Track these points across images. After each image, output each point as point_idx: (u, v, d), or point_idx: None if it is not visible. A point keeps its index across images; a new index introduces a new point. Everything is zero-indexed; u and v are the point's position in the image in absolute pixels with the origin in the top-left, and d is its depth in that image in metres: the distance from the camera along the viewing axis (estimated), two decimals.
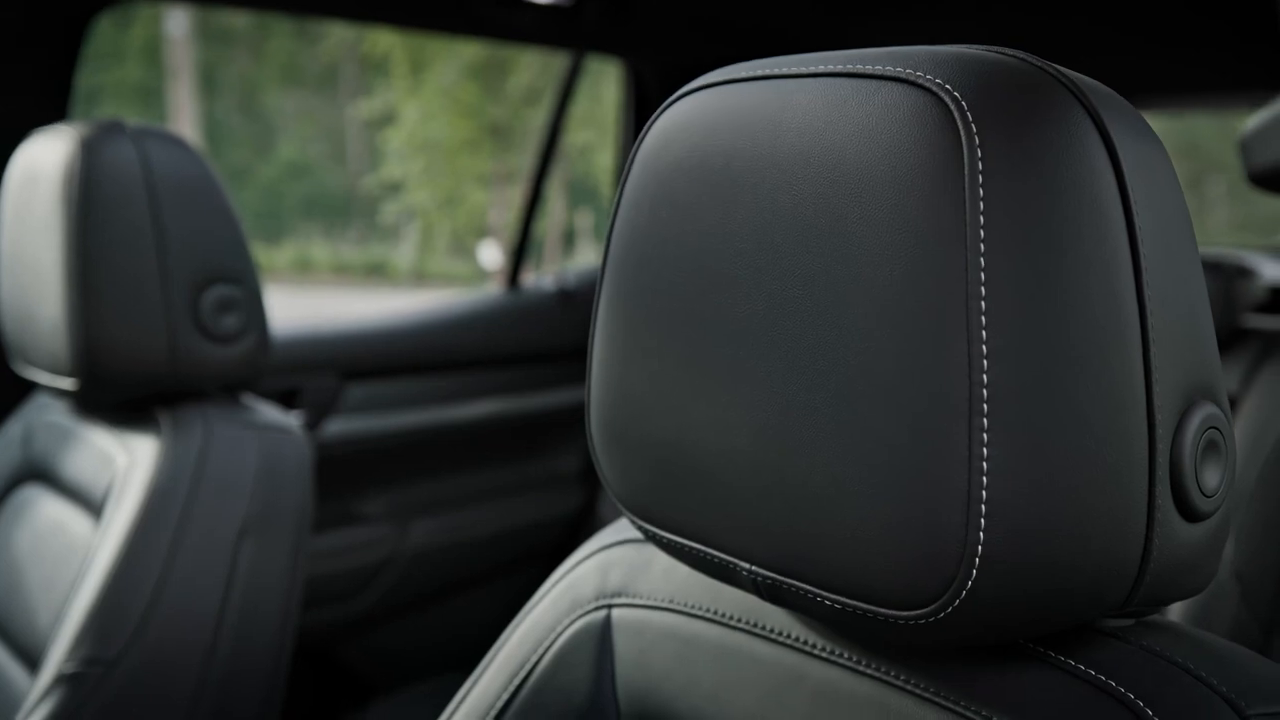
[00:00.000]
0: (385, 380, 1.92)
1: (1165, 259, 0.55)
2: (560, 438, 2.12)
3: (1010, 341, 0.51)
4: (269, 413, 1.25)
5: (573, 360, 2.16)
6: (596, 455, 0.70)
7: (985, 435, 0.51)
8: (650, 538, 0.69)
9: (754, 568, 0.62)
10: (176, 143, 1.21)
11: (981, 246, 0.51)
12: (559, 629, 0.79)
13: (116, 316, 1.15)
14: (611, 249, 0.67)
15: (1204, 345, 0.56)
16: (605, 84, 7.85)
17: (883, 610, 0.56)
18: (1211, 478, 0.55)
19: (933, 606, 0.54)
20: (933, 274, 0.52)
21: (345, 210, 11.19)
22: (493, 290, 2.10)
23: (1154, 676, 0.56)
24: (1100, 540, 0.52)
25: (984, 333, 0.51)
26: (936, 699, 0.60)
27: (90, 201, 1.16)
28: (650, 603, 0.75)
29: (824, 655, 0.66)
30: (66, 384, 1.18)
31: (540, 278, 2.15)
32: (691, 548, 0.66)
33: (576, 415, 2.15)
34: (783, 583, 0.61)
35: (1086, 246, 0.52)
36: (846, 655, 0.65)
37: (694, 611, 0.73)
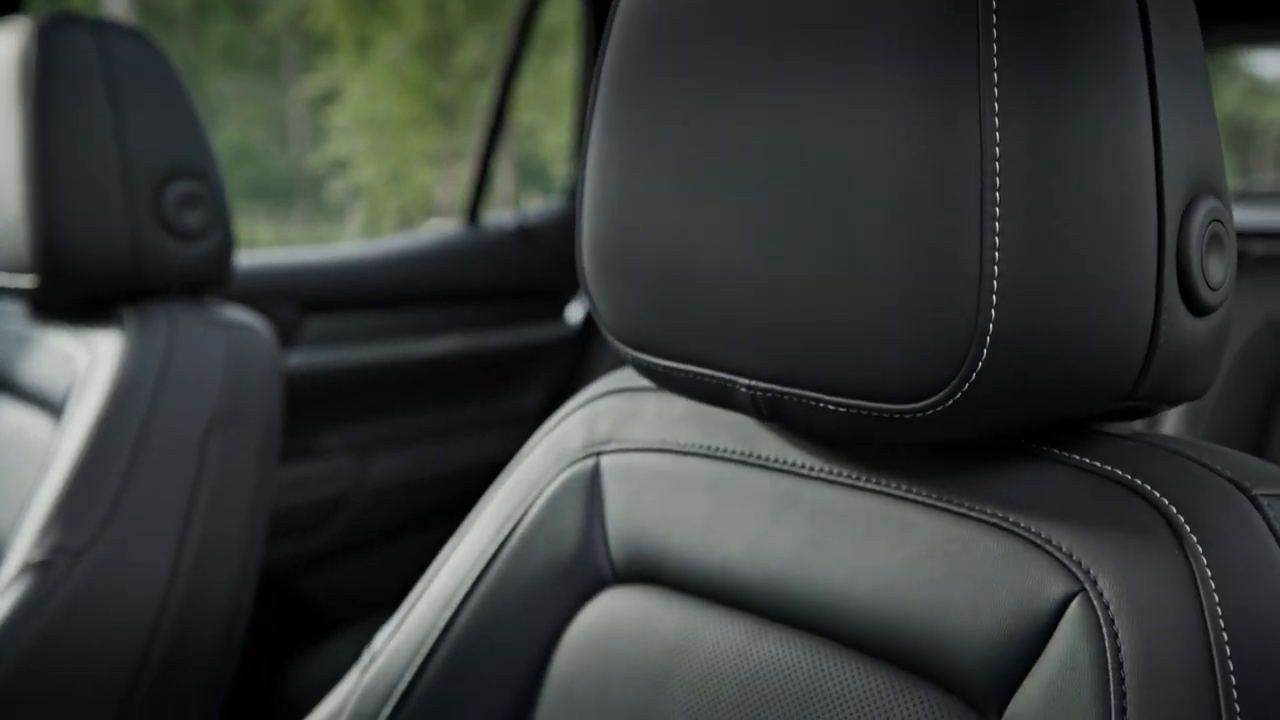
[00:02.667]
0: (346, 314, 1.90)
1: (1175, 54, 0.55)
2: (522, 375, 2.11)
3: (1023, 117, 0.51)
4: (236, 313, 1.23)
5: (533, 298, 2.14)
6: (589, 289, 0.70)
7: (997, 210, 0.51)
8: (644, 369, 0.69)
9: (753, 383, 0.62)
10: (135, 35, 1.18)
11: (994, 18, 0.51)
12: (546, 481, 0.78)
13: (77, 211, 1.13)
14: (604, 74, 0.67)
15: (1210, 141, 0.57)
16: (556, 60, 7.81)
17: (888, 406, 0.56)
18: (1216, 271, 0.56)
19: (941, 394, 0.54)
20: (944, 52, 0.52)
21: (289, 193, 11.04)
22: (452, 227, 2.08)
23: (1159, 464, 0.56)
24: (1108, 325, 0.53)
25: (996, 105, 0.51)
26: (938, 504, 0.60)
27: (47, 93, 1.13)
28: (640, 446, 0.75)
29: (821, 476, 0.66)
30: (25, 282, 1.15)
31: (500, 215, 2.14)
32: (688, 372, 0.65)
33: (538, 353, 2.14)
34: (783, 394, 0.61)
35: (1103, 33, 0.52)
36: (844, 473, 0.65)
37: (686, 449, 0.73)
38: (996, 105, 0.51)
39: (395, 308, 1.95)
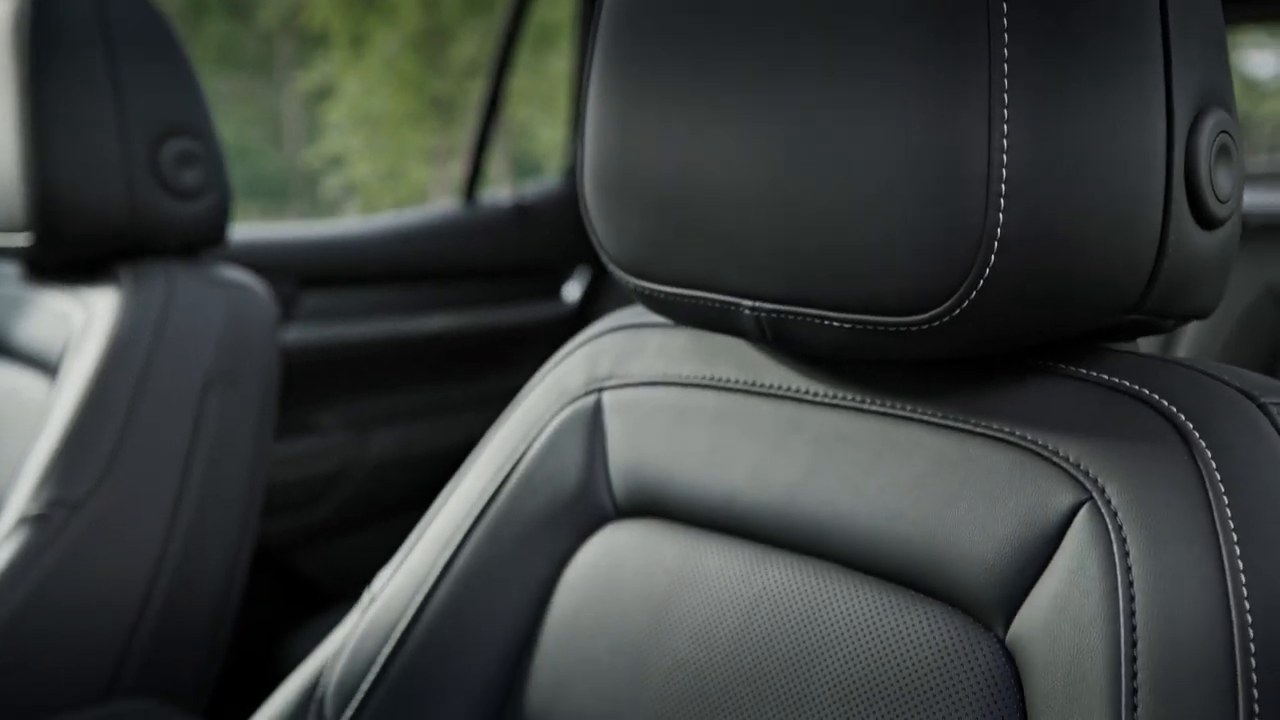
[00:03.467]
0: (343, 289, 1.89)
1: None
2: (519, 353, 2.10)
3: (1032, 22, 0.51)
4: (233, 272, 1.22)
5: (531, 276, 2.14)
6: (591, 220, 0.69)
7: (1006, 112, 0.51)
8: (647, 298, 0.68)
9: (757, 304, 0.61)
10: None
11: None
12: (547, 418, 0.78)
13: (72, 168, 1.12)
14: (606, 1, 0.66)
15: (1218, 57, 0.56)
16: (551, 57, 7.80)
17: (895, 319, 0.56)
18: (1224, 183, 0.55)
19: (948, 303, 0.54)
20: None
21: (284, 192, 11.03)
22: (449, 204, 2.08)
23: (1166, 376, 0.56)
24: (1116, 233, 0.52)
25: (1005, 7, 0.51)
26: (943, 422, 0.60)
27: (44, 49, 1.12)
28: (642, 380, 0.75)
29: (824, 401, 0.65)
30: (20, 240, 1.15)
31: (497, 193, 2.13)
32: (691, 297, 0.65)
33: (535, 331, 2.13)
34: (788, 313, 0.60)
35: None
36: (848, 397, 0.64)
37: (688, 381, 0.72)
38: (1005, 7, 0.50)
39: (392, 284, 1.95)
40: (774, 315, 0.61)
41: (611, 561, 0.72)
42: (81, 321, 1.13)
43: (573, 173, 2.15)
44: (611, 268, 0.69)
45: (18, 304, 1.25)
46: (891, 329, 0.56)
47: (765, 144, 0.58)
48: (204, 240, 1.20)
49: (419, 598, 0.77)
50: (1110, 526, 0.52)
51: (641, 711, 0.66)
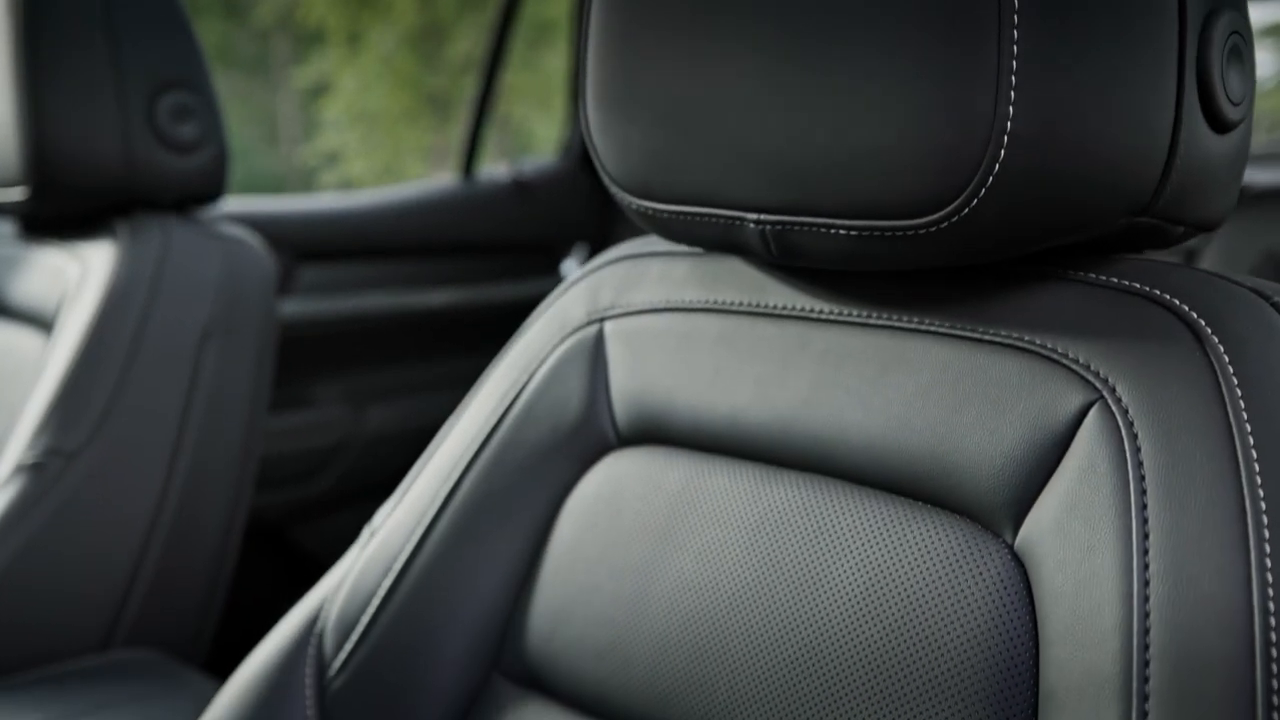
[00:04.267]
0: (339, 263, 1.88)
1: None
2: (516, 329, 2.09)
3: None
4: (230, 227, 1.21)
5: (528, 252, 2.13)
6: (593, 141, 0.69)
7: (1016, 6, 0.50)
8: (649, 219, 0.68)
9: (762, 216, 0.61)
10: None
11: None
12: (548, 350, 0.77)
13: (69, 120, 1.11)
14: None
15: None
16: (546, 54, 7.80)
17: (904, 222, 0.55)
18: (1236, 84, 0.55)
19: (957, 202, 0.53)
20: None
21: (281, 189, 11.01)
22: (446, 179, 2.07)
23: (1178, 277, 0.55)
24: (1128, 131, 0.52)
25: None
26: (950, 331, 0.59)
27: (39, 1, 1.11)
28: (644, 308, 0.74)
29: (830, 318, 0.65)
30: (15, 194, 1.14)
31: (494, 168, 2.12)
32: (694, 214, 0.64)
33: (532, 308, 2.12)
34: (793, 224, 0.60)
35: None
36: (854, 313, 0.64)
37: (691, 306, 0.71)
38: None
39: (389, 258, 1.94)
40: (779, 227, 0.60)
41: (614, 489, 0.71)
42: (77, 275, 1.12)
43: (570, 149, 2.14)
44: (613, 189, 0.69)
45: (13, 263, 1.24)
46: (899, 233, 0.56)
47: (770, 50, 0.58)
48: (201, 195, 1.19)
49: (419, 530, 0.76)
50: (1121, 424, 0.51)
51: (645, 634, 0.66)
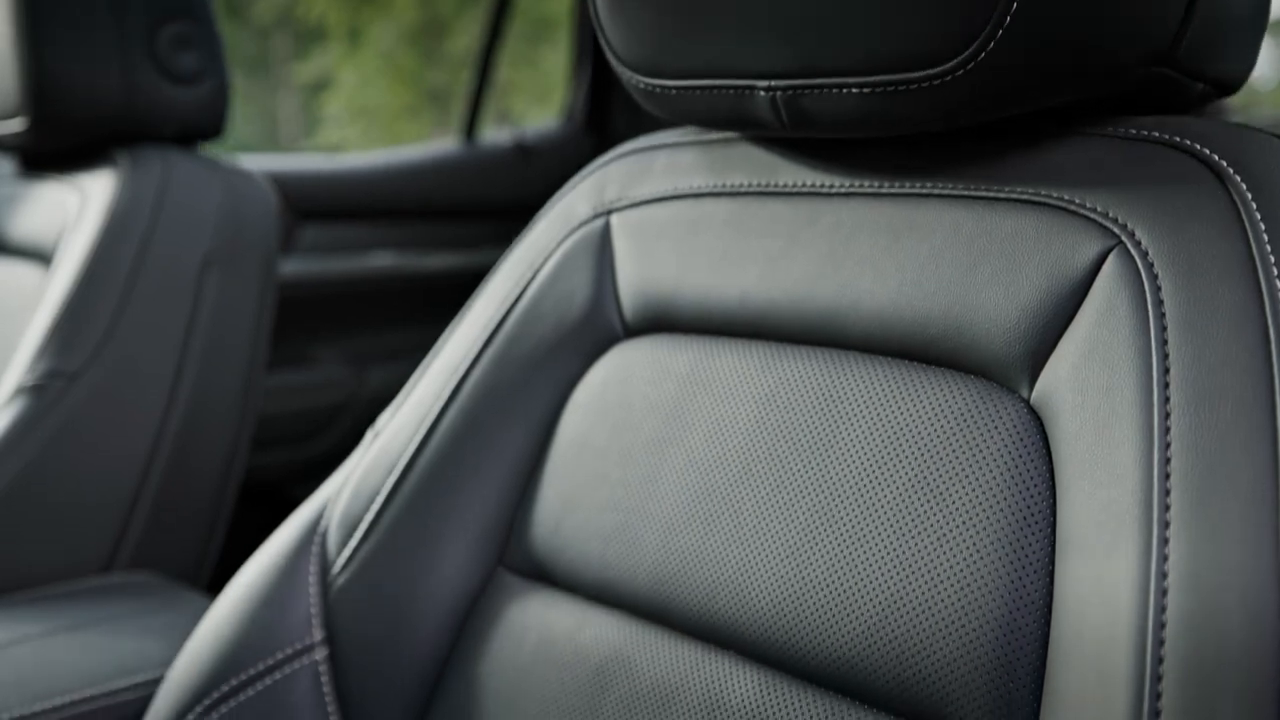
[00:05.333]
0: (340, 223, 1.87)
1: None
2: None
3: None
4: (231, 160, 1.21)
5: (529, 216, 2.12)
6: (602, 25, 0.68)
7: None
8: (657, 97, 0.67)
9: (772, 83, 0.60)
10: None
11: None
12: (554, 246, 0.76)
13: (68, 49, 1.10)
14: None
15: None
16: (546, 50, 7.79)
17: (917, 75, 0.54)
18: None
19: (972, 49, 0.52)
20: None
21: None
22: (448, 143, 2.06)
23: (1198, 125, 0.54)
24: None
25: None
26: (964, 193, 0.59)
27: None
28: (651, 198, 0.73)
29: (841, 191, 0.64)
30: (14, 125, 1.13)
31: (497, 132, 2.12)
32: (704, 86, 0.64)
33: None
34: (805, 87, 0.59)
35: None
36: (865, 184, 0.63)
37: (699, 191, 0.71)
38: None
39: (391, 219, 1.93)
40: (790, 91, 0.60)
41: (621, 378, 0.70)
42: (77, 206, 1.12)
43: (572, 113, 2.13)
44: (622, 71, 0.68)
45: (13, 200, 1.23)
46: (914, 86, 0.55)
47: None
48: (202, 130, 1.19)
49: (423, 429, 0.75)
50: (1141, 266, 0.50)
51: (654, 513, 0.65)
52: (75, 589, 0.95)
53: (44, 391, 0.99)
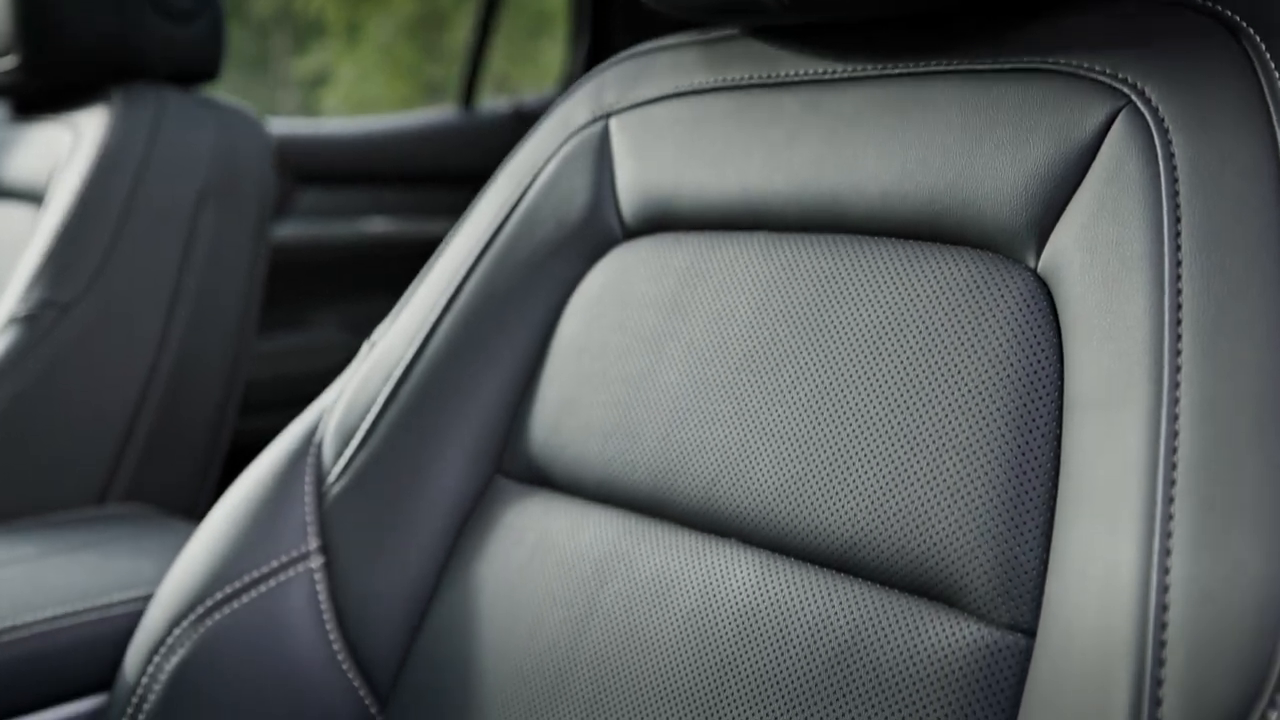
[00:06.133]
0: (338, 188, 1.87)
1: None
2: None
3: None
4: (226, 100, 1.20)
5: None
6: None
7: None
8: None
9: None
10: None
11: None
12: (552, 151, 0.75)
13: None
14: None
15: None
16: (545, 44, 7.78)
17: None
18: None
19: None
20: None
21: None
22: (447, 109, 2.06)
23: None
24: None
25: None
26: (970, 68, 0.58)
27: None
28: (652, 97, 0.72)
29: (845, 76, 0.63)
30: (7, 63, 1.12)
31: (495, 99, 2.11)
32: None
33: None
34: None
35: None
36: (869, 68, 0.62)
37: (700, 88, 0.70)
38: None
39: (389, 185, 1.92)
40: None
41: (620, 278, 0.70)
42: (70, 142, 1.11)
43: (570, 82, 2.12)
44: None
45: (6, 144, 1.22)
46: None
47: None
48: (197, 70, 1.18)
49: (419, 337, 0.74)
50: (1151, 122, 0.50)
51: (655, 406, 0.64)
52: (69, 518, 0.94)
53: (36, 321, 0.98)
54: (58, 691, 0.74)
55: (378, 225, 1.89)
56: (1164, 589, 0.41)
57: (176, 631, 0.70)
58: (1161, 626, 0.41)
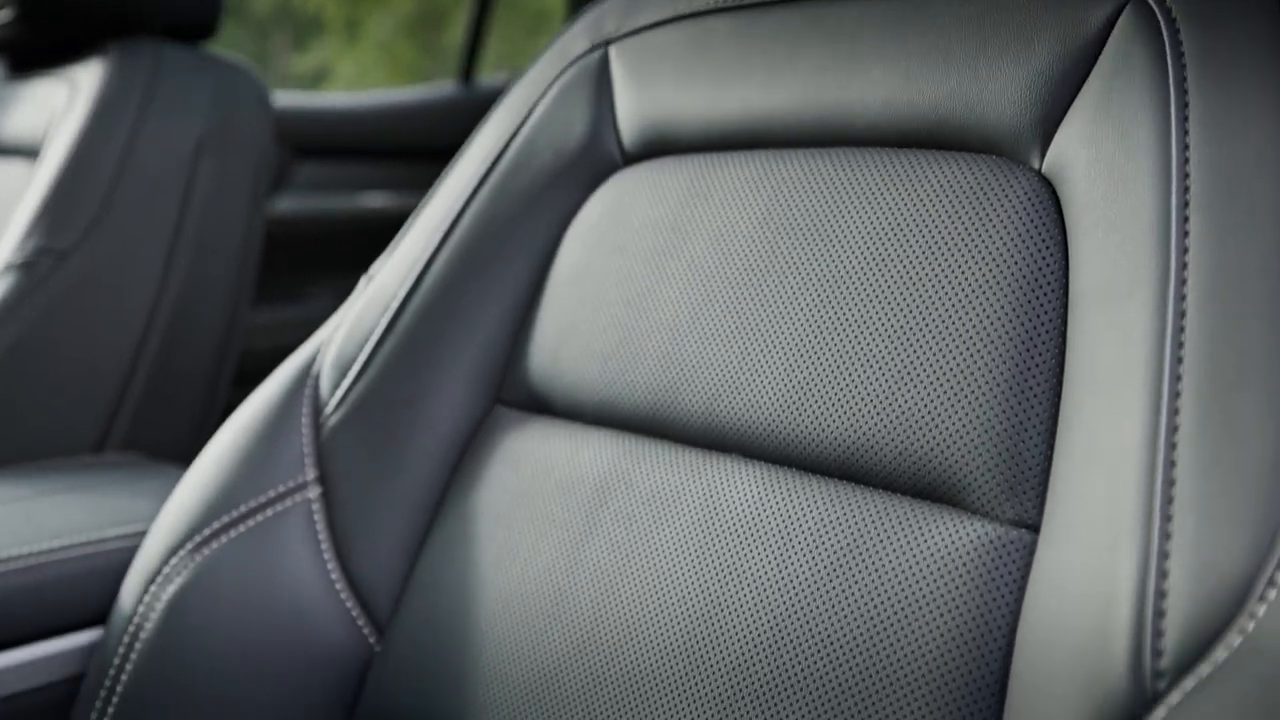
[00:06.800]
0: (337, 161, 1.86)
1: None
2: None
3: None
4: (224, 54, 1.19)
5: None
6: None
7: None
8: None
9: None
10: None
11: None
12: (550, 81, 0.75)
13: None
14: None
15: None
16: (542, 40, 7.78)
17: None
18: None
19: None
20: None
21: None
22: (446, 84, 2.05)
23: None
24: None
25: None
26: None
27: None
28: (651, 22, 0.72)
29: None
30: (3, 16, 1.11)
31: (494, 75, 2.10)
32: None
33: None
34: None
35: None
36: None
37: (702, 9, 0.69)
38: None
39: (388, 159, 1.92)
40: None
41: (620, 203, 0.69)
42: (66, 96, 1.10)
43: None
44: None
45: (3, 101, 1.22)
46: None
47: None
48: (194, 25, 1.17)
49: (417, 268, 0.74)
50: (1159, 13, 0.49)
51: (655, 325, 0.63)
52: (67, 463, 0.94)
53: (33, 268, 0.98)
54: (53, 625, 0.73)
55: (376, 199, 1.88)
56: (1170, 463, 0.41)
57: (174, 560, 0.69)
58: (1169, 500, 0.40)
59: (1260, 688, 0.35)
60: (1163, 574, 0.39)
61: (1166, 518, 0.40)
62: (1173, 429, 0.41)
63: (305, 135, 1.80)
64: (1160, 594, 0.39)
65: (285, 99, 1.85)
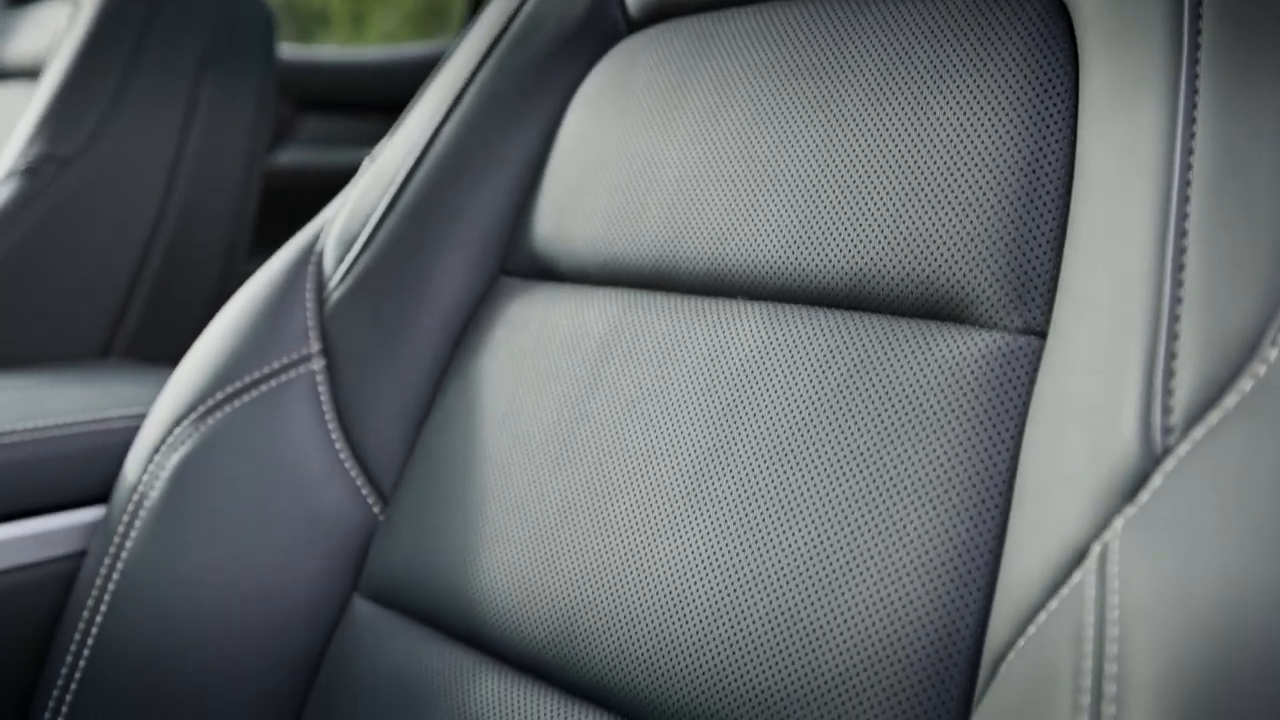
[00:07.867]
0: (341, 115, 1.86)
1: None
2: None
3: None
4: None
5: None
6: None
7: None
8: None
9: None
10: None
11: None
12: None
13: None
14: None
15: None
16: None
17: None
18: None
19: None
20: None
21: None
22: (450, 39, 2.05)
23: None
24: None
25: None
26: None
27: None
28: None
29: None
30: None
31: None
32: None
33: None
34: None
35: None
36: None
37: None
38: None
39: (392, 115, 1.91)
40: None
41: (624, 68, 0.69)
42: (69, 14, 1.10)
43: None
44: None
45: (5, 29, 1.22)
46: None
47: None
48: None
49: (420, 145, 0.74)
50: None
51: (660, 178, 0.63)
52: (71, 365, 0.93)
53: (36, 174, 0.98)
54: (57, 501, 0.73)
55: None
56: (1182, 232, 0.40)
57: (178, 430, 0.69)
58: (1179, 268, 0.40)
59: (1274, 422, 0.35)
60: (1173, 336, 0.39)
61: (1178, 283, 0.40)
62: (1184, 200, 0.41)
63: (310, 89, 1.80)
64: (1170, 355, 0.39)
65: (289, 51, 1.85)
